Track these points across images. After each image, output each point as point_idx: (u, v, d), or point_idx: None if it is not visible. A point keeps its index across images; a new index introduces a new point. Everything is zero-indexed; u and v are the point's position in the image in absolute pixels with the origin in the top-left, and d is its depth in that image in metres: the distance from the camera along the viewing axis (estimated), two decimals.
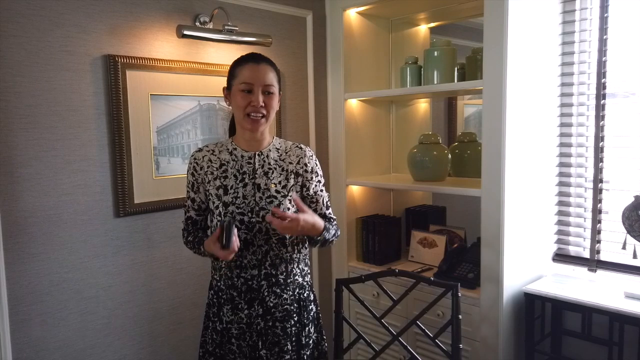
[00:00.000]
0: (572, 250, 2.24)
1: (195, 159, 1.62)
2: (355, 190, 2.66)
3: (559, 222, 2.27)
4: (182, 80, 2.12)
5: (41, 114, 1.78)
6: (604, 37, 2.08)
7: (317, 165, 1.66)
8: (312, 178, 1.63)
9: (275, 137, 1.67)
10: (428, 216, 2.73)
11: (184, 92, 2.13)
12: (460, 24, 2.66)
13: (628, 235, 1.91)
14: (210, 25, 2.14)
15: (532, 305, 2.06)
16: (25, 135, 1.75)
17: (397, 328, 2.01)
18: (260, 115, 1.53)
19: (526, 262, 2.14)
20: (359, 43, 2.61)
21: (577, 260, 2.21)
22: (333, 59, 2.61)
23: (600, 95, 2.11)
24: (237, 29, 2.15)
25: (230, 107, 1.62)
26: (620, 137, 2.10)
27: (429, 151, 2.39)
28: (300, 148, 1.65)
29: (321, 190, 1.67)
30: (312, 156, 1.65)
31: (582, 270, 2.19)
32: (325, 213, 1.68)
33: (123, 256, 2.02)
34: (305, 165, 1.62)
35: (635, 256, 1.93)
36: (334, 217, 1.72)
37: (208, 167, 1.60)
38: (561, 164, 2.25)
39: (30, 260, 1.79)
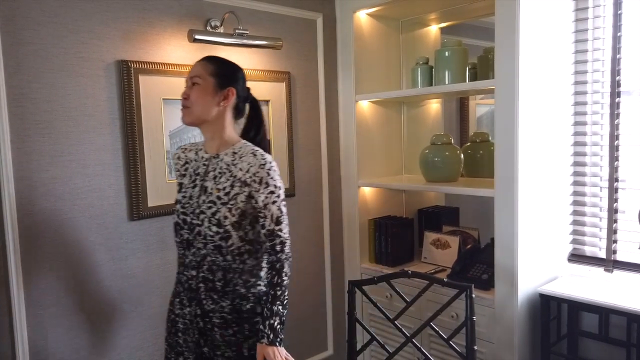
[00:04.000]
0: (588, 250, 2.21)
1: (173, 156, 1.74)
2: (367, 191, 2.66)
3: (574, 222, 2.25)
4: None
5: (57, 120, 1.81)
6: (618, 34, 2.06)
7: (269, 176, 1.51)
8: (259, 189, 1.51)
9: (240, 142, 1.60)
10: (441, 217, 2.72)
11: None
12: (471, 24, 2.65)
13: None
14: (222, 30, 2.16)
15: (547, 306, 2.04)
16: (41, 141, 1.78)
17: (411, 330, 2.00)
18: (184, 106, 1.55)
19: (541, 262, 2.12)
20: (369, 44, 2.61)
21: (593, 260, 2.18)
22: (344, 61, 2.61)
23: (615, 93, 2.08)
24: (247, 32, 2.16)
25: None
26: (636, 135, 2.07)
27: (441, 152, 2.38)
28: (254, 155, 1.53)
29: (273, 203, 1.52)
30: (264, 165, 1.51)
31: (599, 271, 2.15)
32: (273, 229, 1.53)
33: (137, 259, 2.04)
34: (254, 175, 1.51)
35: None
36: (284, 235, 1.54)
37: (176, 163, 1.70)
38: (576, 163, 2.23)
39: (46, 263, 1.82)
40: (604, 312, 1.94)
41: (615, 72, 2.08)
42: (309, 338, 2.67)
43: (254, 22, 2.30)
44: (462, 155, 2.40)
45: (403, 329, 1.88)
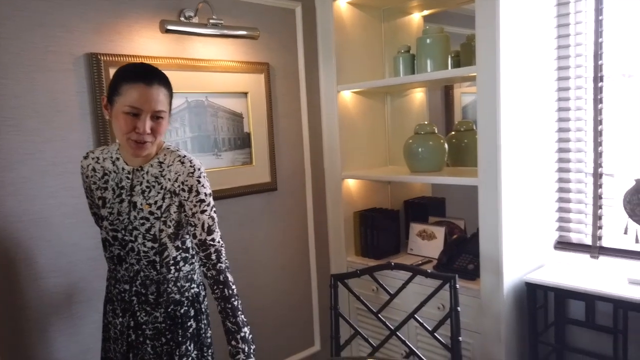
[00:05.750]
0: (574, 237, 2.19)
1: (82, 166, 1.56)
2: (351, 184, 2.62)
3: (560, 209, 2.22)
4: (169, 77, 2.06)
5: (26, 116, 1.75)
6: (600, 17, 2.03)
7: (199, 184, 1.45)
8: (188, 197, 1.44)
9: (164, 148, 1.50)
10: (427, 208, 2.68)
11: None
12: (454, 11, 2.60)
13: (630, 220, 1.86)
14: (196, 20, 2.10)
15: (534, 294, 2.02)
16: (9, 139, 1.72)
17: (398, 322, 1.97)
18: (145, 141, 1.39)
19: (527, 251, 2.09)
20: (350, 34, 2.56)
21: (579, 247, 2.16)
22: (324, 51, 2.56)
23: (598, 77, 2.06)
24: (222, 22, 2.10)
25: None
26: (619, 121, 2.05)
27: (424, 141, 2.34)
28: (182, 163, 1.46)
29: (202, 212, 1.45)
30: (192, 173, 1.45)
31: (585, 257, 2.14)
32: (205, 239, 1.45)
33: None
34: (182, 183, 1.44)
35: (637, 240, 1.88)
36: (217, 244, 1.47)
37: (92, 176, 1.54)
38: (560, 150, 2.20)
39: (16, 266, 1.75)
40: (590, 299, 1.92)
41: (597, 56, 2.05)
42: (295, 334, 2.64)
43: (230, 12, 2.24)
44: (446, 145, 2.37)
45: (390, 323, 1.85)
